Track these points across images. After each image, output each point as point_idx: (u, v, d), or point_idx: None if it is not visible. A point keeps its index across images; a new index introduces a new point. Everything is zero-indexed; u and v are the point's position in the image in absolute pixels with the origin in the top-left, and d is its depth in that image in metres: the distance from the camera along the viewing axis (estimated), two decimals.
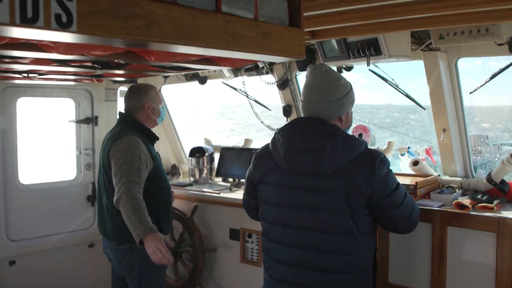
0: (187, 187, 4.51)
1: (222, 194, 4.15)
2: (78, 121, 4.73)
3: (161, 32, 1.68)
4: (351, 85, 2.54)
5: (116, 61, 2.70)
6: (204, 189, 4.36)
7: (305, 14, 2.33)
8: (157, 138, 3.58)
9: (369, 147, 4.02)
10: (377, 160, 2.34)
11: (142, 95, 3.44)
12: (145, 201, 3.24)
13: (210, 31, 1.84)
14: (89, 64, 2.73)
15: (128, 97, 3.49)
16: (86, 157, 4.79)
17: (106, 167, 3.36)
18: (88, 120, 4.75)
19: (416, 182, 3.30)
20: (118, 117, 3.60)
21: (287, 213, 2.43)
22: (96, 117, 4.79)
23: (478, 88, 3.38)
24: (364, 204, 2.33)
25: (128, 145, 3.25)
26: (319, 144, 2.33)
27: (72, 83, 4.44)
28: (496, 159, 5.13)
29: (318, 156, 2.32)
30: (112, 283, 3.83)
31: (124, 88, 4.89)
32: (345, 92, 2.48)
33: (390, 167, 2.41)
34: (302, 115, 2.55)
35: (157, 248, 3.00)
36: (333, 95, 2.44)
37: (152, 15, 1.65)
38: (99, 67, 2.72)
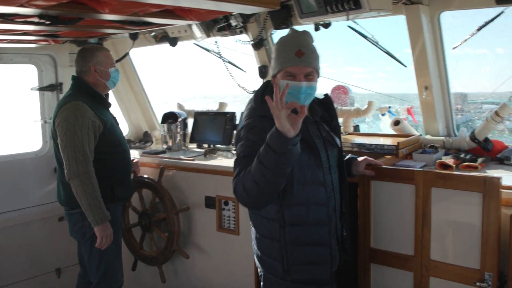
0: (160, 155, 4.31)
1: (197, 161, 3.96)
2: (41, 89, 4.46)
3: None
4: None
5: (68, 16, 2.44)
6: (178, 156, 4.17)
7: None
8: (109, 105, 3.49)
9: (347, 107, 3.90)
10: None
11: (89, 57, 3.32)
12: (99, 166, 3.19)
13: None
14: (36, 19, 2.47)
15: (76, 60, 3.37)
16: (52, 126, 4.53)
17: (54, 135, 3.28)
18: (52, 87, 4.48)
19: (398, 143, 3.18)
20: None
21: None
22: (61, 84, 4.52)
23: (461, 43, 3.23)
24: None
25: (71, 113, 3.15)
26: None
27: (32, 45, 4.14)
28: (476, 117, 5.03)
29: None
30: (78, 251, 3.71)
31: None
32: None
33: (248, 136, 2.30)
34: None
35: (105, 235, 3.21)
36: None
37: None
38: (47, 22, 2.45)
